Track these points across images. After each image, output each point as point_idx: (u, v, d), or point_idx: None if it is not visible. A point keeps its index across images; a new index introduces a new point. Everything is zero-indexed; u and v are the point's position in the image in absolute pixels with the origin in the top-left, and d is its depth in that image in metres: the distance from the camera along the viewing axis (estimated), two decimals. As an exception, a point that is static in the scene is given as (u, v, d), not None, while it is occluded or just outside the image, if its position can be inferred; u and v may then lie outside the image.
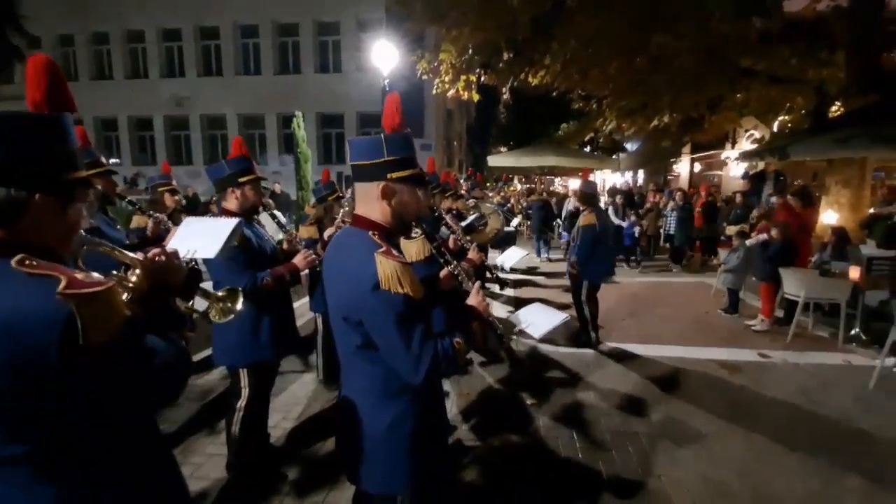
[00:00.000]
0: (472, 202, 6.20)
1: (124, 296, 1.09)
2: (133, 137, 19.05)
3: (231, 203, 2.38)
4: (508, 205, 9.89)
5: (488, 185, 16.29)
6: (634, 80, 8.09)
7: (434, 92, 9.10)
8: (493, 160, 16.83)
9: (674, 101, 7.99)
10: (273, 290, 2.33)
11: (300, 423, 3.24)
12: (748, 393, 3.80)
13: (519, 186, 19.44)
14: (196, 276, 1.30)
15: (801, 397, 3.69)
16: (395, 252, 1.31)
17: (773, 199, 6.97)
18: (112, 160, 18.44)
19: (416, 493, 1.44)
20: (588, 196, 4.81)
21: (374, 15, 15.53)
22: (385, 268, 1.25)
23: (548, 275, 8.39)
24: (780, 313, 5.53)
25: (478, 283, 1.66)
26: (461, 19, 7.24)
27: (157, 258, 1.14)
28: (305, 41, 17.34)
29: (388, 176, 1.35)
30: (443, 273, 1.73)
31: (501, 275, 8.01)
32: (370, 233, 1.35)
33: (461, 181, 9.93)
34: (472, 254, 2.44)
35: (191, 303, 1.37)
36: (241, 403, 2.42)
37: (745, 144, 12.37)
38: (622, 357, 4.49)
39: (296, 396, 3.62)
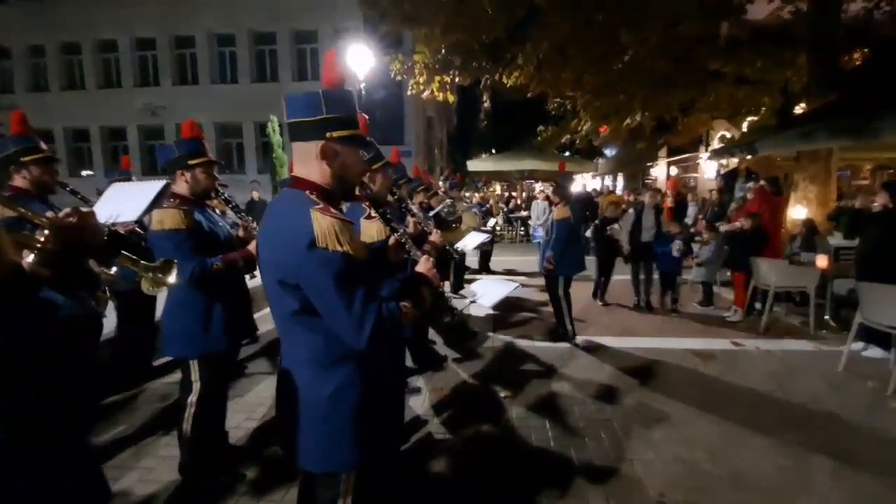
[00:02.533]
0: (448, 201, 6.15)
1: (30, 257, 1.02)
2: (106, 148, 18.58)
3: (181, 187, 2.27)
4: (487, 205, 9.86)
5: (464, 188, 16.36)
6: (607, 82, 8.21)
7: (409, 92, 9.08)
8: (473, 165, 16.92)
9: (646, 100, 8.13)
10: (225, 277, 2.23)
11: (263, 423, 3.11)
12: (721, 379, 3.80)
13: (499, 189, 19.54)
14: (118, 241, 1.21)
15: (772, 382, 3.71)
16: (333, 210, 1.25)
17: (749, 185, 7.11)
18: (84, 172, 17.96)
19: (362, 472, 1.35)
20: (562, 190, 4.81)
21: (352, 23, 15.54)
22: (321, 224, 1.18)
23: (524, 275, 8.36)
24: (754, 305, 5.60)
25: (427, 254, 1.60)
26: (433, 19, 7.26)
27: (67, 217, 1.07)
28: (283, 49, 17.26)
29: (328, 135, 1.28)
30: (391, 241, 1.66)
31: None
32: (307, 192, 1.28)
33: (441, 182, 9.89)
34: (434, 237, 2.37)
35: (113, 269, 1.28)
36: (193, 398, 2.28)
37: (718, 146, 12.67)
38: (598, 349, 4.46)
39: (261, 397, 3.47)
